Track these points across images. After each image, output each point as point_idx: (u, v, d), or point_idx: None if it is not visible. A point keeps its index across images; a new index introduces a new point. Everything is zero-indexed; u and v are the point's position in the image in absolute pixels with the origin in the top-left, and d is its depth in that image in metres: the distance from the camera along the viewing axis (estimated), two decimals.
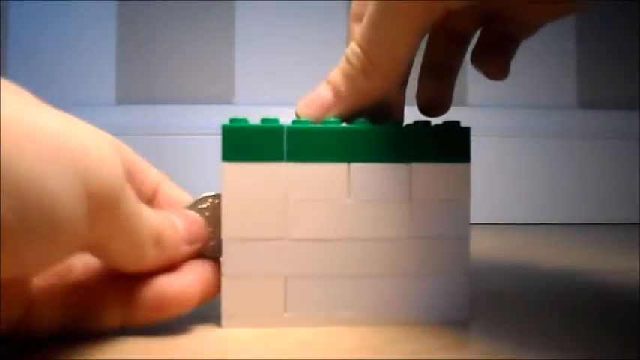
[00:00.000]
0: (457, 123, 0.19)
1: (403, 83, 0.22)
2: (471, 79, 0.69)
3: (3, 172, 0.11)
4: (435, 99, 0.23)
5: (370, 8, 0.18)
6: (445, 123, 0.19)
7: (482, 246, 0.43)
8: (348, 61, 0.19)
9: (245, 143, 0.18)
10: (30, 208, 0.12)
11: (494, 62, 0.23)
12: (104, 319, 0.17)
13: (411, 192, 0.19)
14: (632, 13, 0.66)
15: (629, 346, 0.16)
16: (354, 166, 0.18)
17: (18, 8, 0.67)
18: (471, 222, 0.19)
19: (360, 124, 0.19)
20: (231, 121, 0.19)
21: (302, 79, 0.70)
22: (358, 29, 0.18)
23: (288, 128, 0.19)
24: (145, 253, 0.16)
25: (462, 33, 0.23)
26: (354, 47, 0.18)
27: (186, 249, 0.18)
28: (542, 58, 0.66)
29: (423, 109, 0.23)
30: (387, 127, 0.19)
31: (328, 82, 0.19)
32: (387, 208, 0.19)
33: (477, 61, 0.23)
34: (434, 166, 0.19)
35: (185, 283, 0.17)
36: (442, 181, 0.19)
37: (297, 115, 0.20)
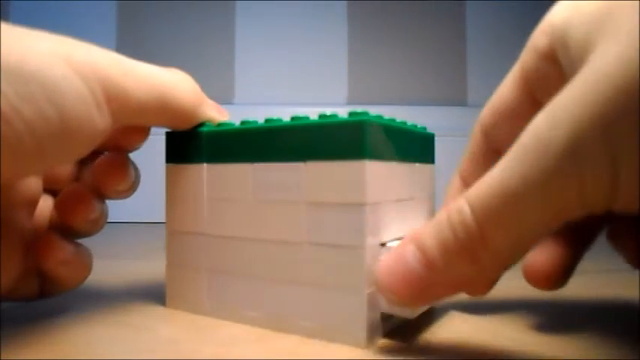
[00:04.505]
0: (362, 114, 0.16)
1: None
2: (470, 79, 0.69)
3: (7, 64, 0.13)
4: (551, 267, 0.17)
5: (511, 162, 0.12)
6: (348, 114, 0.17)
7: None
8: (452, 226, 0.13)
9: (179, 147, 0.20)
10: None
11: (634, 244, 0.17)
12: (66, 285, 0.20)
13: (306, 192, 0.17)
14: None
15: (630, 347, 0.16)
16: (256, 165, 0.18)
17: (18, 8, 0.67)
18: None
19: (262, 123, 0.18)
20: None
21: (302, 79, 0.70)
22: (488, 178, 0.13)
23: (207, 132, 0.20)
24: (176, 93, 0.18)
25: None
26: (464, 208, 0.13)
27: (213, 112, 0.20)
28: None
29: (532, 276, 0.17)
30: (284, 123, 0.18)
31: (417, 246, 0.14)
32: (285, 210, 0.17)
33: (614, 240, 0.18)
34: (327, 163, 0.16)
35: None
36: (337, 181, 0.16)
37: (380, 288, 0.15)
